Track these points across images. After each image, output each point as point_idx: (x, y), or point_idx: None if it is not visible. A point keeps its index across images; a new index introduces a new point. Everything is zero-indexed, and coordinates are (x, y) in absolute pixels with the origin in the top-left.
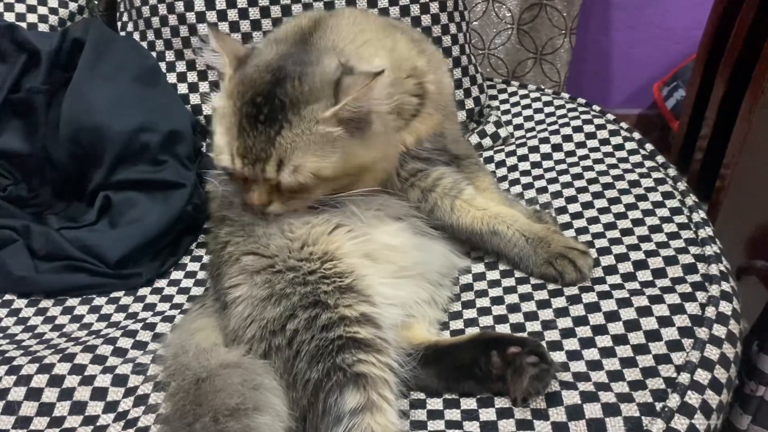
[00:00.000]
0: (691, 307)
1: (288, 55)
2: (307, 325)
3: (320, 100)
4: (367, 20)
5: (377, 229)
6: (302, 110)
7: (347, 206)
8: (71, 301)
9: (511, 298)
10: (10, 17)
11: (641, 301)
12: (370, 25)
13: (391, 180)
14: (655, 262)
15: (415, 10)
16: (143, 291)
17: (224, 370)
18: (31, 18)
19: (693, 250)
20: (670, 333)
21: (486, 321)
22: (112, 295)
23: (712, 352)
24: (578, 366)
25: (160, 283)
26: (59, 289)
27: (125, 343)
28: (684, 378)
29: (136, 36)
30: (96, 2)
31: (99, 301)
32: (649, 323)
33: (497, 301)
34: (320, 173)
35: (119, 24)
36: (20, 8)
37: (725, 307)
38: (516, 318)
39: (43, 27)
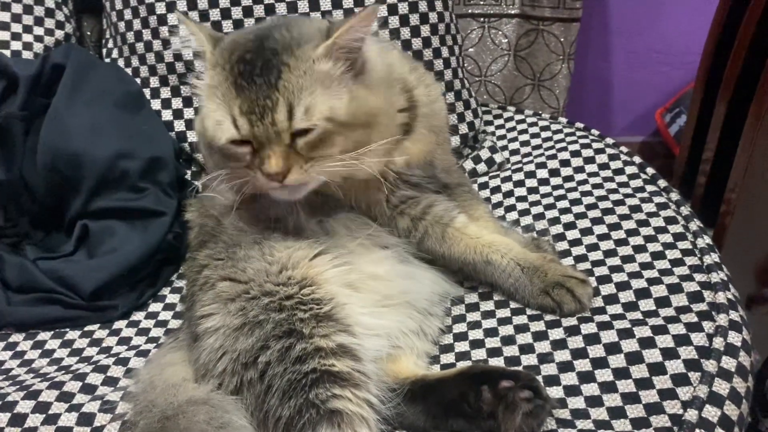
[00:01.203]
0: (698, 338)
1: (269, 27)
2: (279, 357)
3: (312, 40)
4: None
5: (362, 258)
6: (296, 51)
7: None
8: (43, 335)
9: (506, 330)
10: None
11: (644, 331)
12: None
13: (381, 208)
14: (659, 291)
15: (405, 33)
16: (119, 324)
17: (191, 407)
18: (16, 45)
19: (698, 277)
20: (675, 366)
21: (479, 354)
22: (86, 329)
23: (721, 387)
24: (577, 402)
25: (137, 315)
26: (31, 323)
27: (95, 379)
28: (691, 415)
29: (121, 62)
30: (88, 33)
31: (72, 334)
32: (652, 355)
33: (491, 333)
34: (334, 115)
35: (104, 50)
36: (4, 35)
37: (734, 338)
38: (511, 351)
39: (27, 54)
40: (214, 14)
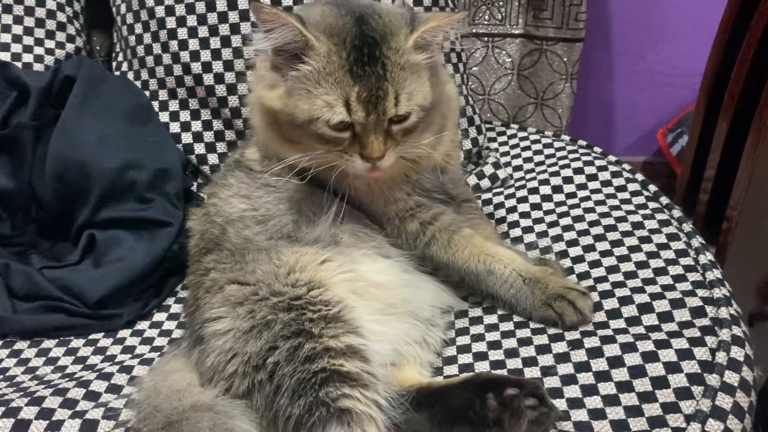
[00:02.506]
0: (701, 353)
1: (343, 2)
2: (288, 356)
3: (400, 30)
4: None
5: (365, 267)
6: (391, 42)
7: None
8: (47, 343)
9: (509, 343)
10: (5, 56)
11: (647, 345)
12: None
13: (396, 208)
14: (661, 306)
15: None
16: (123, 333)
17: (195, 413)
18: (27, 58)
19: (701, 292)
20: (678, 380)
21: (482, 366)
22: (90, 337)
23: (724, 401)
24: (580, 415)
25: (142, 324)
26: (36, 330)
27: (99, 386)
28: (694, 428)
29: (131, 75)
30: (98, 47)
31: (76, 342)
32: (655, 369)
33: (494, 345)
34: (425, 101)
35: (114, 64)
36: (16, 48)
37: (737, 353)
38: (514, 363)
39: (38, 67)
40: (224, 29)
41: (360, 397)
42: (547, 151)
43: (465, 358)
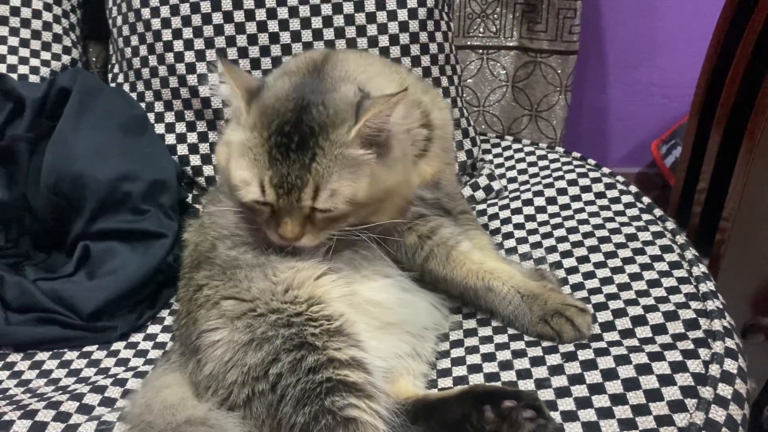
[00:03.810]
0: (694, 365)
1: (303, 84)
2: (291, 368)
3: (345, 122)
4: (373, 57)
5: (363, 285)
6: (331, 135)
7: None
8: (41, 355)
9: (504, 355)
10: (1, 68)
11: (641, 358)
12: (377, 61)
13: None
14: (655, 318)
15: (406, 62)
16: (117, 345)
17: (190, 427)
18: (23, 69)
19: (694, 305)
20: (672, 392)
21: (477, 379)
22: (84, 349)
23: (717, 414)
24: (574, 428)
25: (136, 337)
26: (29, 342)
27: (92, 399)
28: None
29: (126, 87)
30: (93, 59)
31: (70, 355)
32: (649, 382)
33: (489, 357)
34: (355, 197)
35: (110, 75)
36: (12, 59)
37: (730, 365)
38: (508, 376)
39: (34, 78)
40: (219, 41)
41: (366, 408)
42: (541, 163)
43: (459, 371)
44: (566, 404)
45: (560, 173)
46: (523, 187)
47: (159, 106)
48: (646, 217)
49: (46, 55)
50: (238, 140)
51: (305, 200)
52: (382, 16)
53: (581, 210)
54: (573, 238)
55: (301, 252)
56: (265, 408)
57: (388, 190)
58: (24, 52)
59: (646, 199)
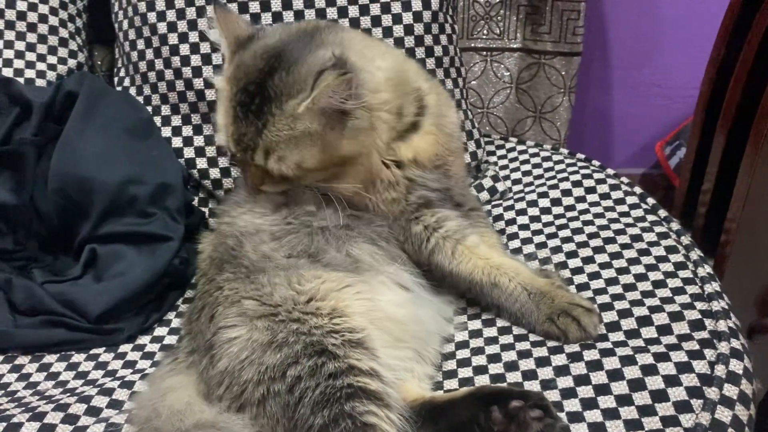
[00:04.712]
0: (700, 366)
1: (288, 42)
2: (311, 372)
3: (300, 93)
4: (377, 39)
5: (384, 297)
6: (284, 104)
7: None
8: (48, 358)
9: (509, 356)
10: (8, 72)
11: (646, 358)
12: (378, 40)
13: (398, 207)
14: (660, 318)
15: None
16: (124, 347)
17: (198, 430)
18: (29, 73)
19: (699, 305)
20: (677, 393)
21: (482, 380)
22: (91, 352)
23: (723, 414)
24: (580, 429)
25: (143, 339)
26: (37, 345)
27: (100, 401)
28: None
29: (133, 90)
30: (99, 62)
31: (77, 357)
32: (655, 382)
33: (494, 358)
34: (303, 165)
35: (116, 79)
36: (19, 64)
37: (736, 366)
38: (514, 377)
39: (40, 82)
40: None
41: (384, 416)
42: (545, 164)
43: (465, 372)
44: (572, 405)
45: (565, 174)
46: (527, 189)
47: (165, 110)
48: (650, 218)
49: (52, 59)
50: (220, 88)
51: (258, 160)
52: (387, 19)
53: (586, 211)
54: (578, 238)
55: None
56: (281, 408)
57: (344, 158)
58: (30, 56)
59: (650, 200)
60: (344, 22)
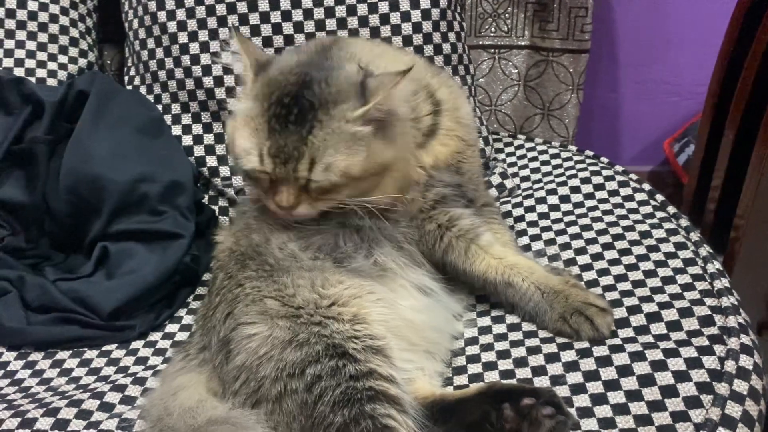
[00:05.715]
0: (709, 361)
1: (309, 62)
2: (332, 372)
3: (348, 100)
4: (383, 43)
5: (404, 301)
6: (332, 110)
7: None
8: (61, 354)
9: (518, 352)
10: (19, 72)
11: (655, 354)
12: (387, 46)
13: (416, 205)
14: (669, 314)
15: None
16: (136, 344)
17: (212, 426)
18: (41, 73)
19: (709, 301)
20: (687, 388)
21: (492, 376)
22: (103, 348)
23: (733, 410)
24: (590, 424)
25: (155, 336)
26: (50, 342)
27: (113, 397)
28: None
29: (143, 89)
30: (109, 62)
31: (90, 354)
32: (664, 378)
33: (503, 355)
34: (349, 171)
35: (126, 78)
36: (30, 63)
37: (746, 362)
38: (523, 373)
39: (52, 82)
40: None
41: (402, 422)
42: (554, 162)
43: (475, 368)
44: (582, 401)
45: (573, 171)
46: (536, 186)
47: (175, 108)
48: (659, 214)
49: (63, 59)
50: (242, 109)
51: (301, 171)
52: (395, 17)
53: (595, 208)
54: (587, 235)
55: (301, 219)
56: (297, 405)
57: (384, 165)
58: (41, 55)
59: (659, 197)
60: (352, 21)
